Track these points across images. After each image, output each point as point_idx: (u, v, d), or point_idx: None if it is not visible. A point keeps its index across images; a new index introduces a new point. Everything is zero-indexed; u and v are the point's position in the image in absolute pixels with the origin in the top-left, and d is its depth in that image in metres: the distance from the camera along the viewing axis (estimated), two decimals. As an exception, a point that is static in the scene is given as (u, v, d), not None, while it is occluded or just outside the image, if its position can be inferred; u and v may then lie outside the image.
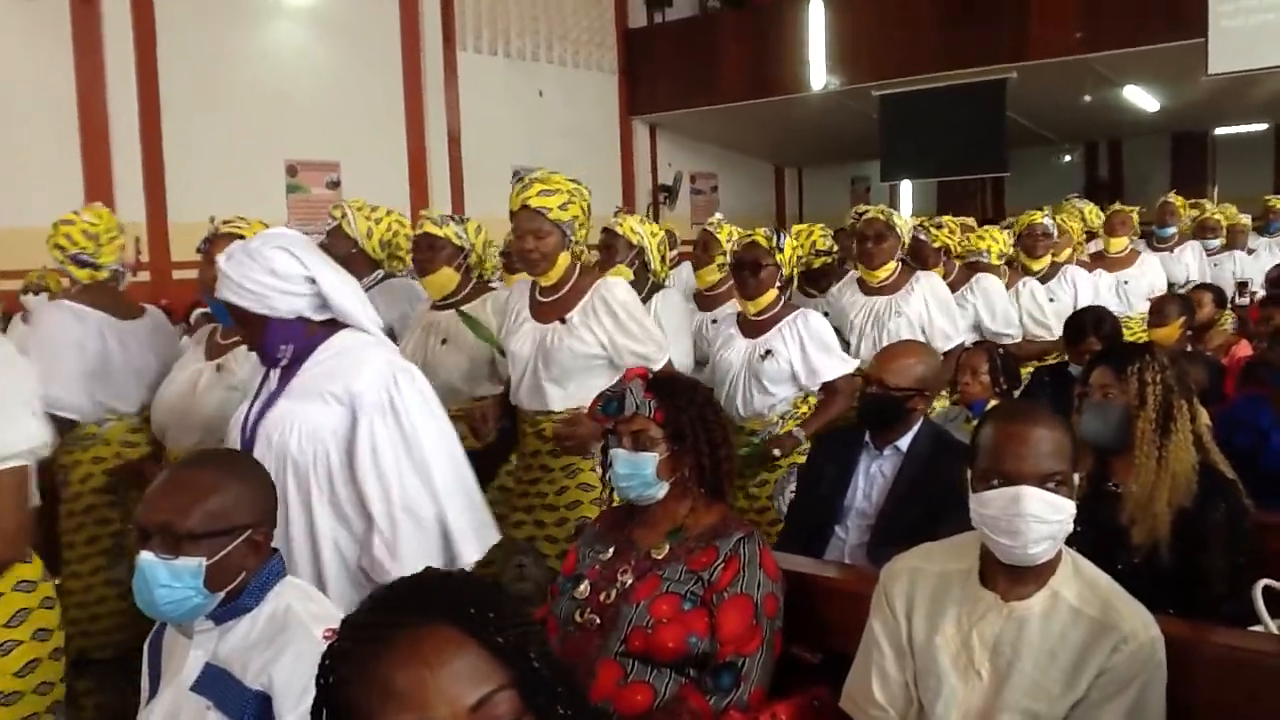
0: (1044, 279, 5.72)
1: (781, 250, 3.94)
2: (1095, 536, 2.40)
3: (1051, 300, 5.58)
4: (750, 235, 4.02)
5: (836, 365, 3.91)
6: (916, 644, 2.05)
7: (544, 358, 3.31)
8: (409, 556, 2.37)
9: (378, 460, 2.41)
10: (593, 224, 3.55)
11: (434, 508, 2.46)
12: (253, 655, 1.75)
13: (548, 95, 13.21)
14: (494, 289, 4.17)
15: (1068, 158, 16.13)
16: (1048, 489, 1.92)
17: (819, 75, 12.50)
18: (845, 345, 4.33)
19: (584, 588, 2.36)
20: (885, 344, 4.05)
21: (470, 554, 2.50)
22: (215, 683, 1.76)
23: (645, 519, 2.40)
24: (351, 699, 1.03)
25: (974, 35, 11.35)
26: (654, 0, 14.24)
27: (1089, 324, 4.28)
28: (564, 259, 3.32)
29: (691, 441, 2.35)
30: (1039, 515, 1.90)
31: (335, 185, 11.19)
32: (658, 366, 3.15)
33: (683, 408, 2.37)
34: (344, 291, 2.48)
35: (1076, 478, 2.00)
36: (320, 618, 1.79)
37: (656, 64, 14.04)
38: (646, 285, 4.27)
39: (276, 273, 2.39)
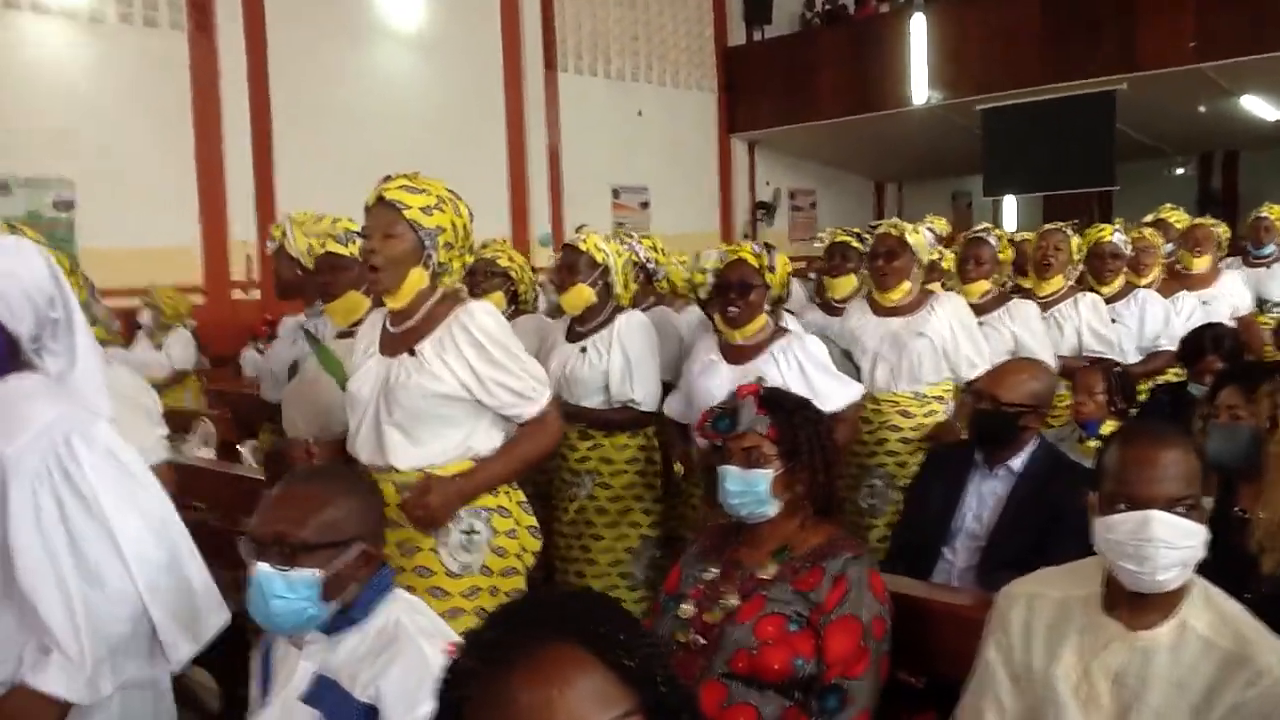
0: (1109, 300, 4.98)
1: (773, 269, 3.52)
2: (1220, 564, 2.29)
3: (1114, 321, 4.89)
4: (736, 251, 3.58)
5: (843, 392, 3.50)
6: (1034, 672, 1.98)
7: (386, 398, 2.68)
8: (89, 668, 1.82)
9: (41, 542, 1.83)
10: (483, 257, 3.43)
11: (129, 605, 1.89)
12: (362, 668, 1.76)
13: (647, 114, 13.28)
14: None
15: (1180, 170, 15.61)
16: (1177, 513, 1.83)
17: (920, 90, 12.35)
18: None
19: (687, 607, 2.33)
20: (906, 368, 3.95)
21: (183, 652, 1.99)
22: (325, 694, 1.78)
23: (751, 538, 2.36)
24: (475, 716, 1.01)
25: (1081, 46, 11.11)
26: (753, 17, 14.23)
27: (1207, 342, 4.11)
28: (416, 278, 2.66)
29: (806, 459, 2.31)
30: (1168, 540, 1.81)
31: (438, 205, 11.37)
32: (534, 409, 2.67)
33: (798, 425, 2.33)
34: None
35: (1208, 502, 1.90)
36: (429, 632, 1.80)
37: (756, 81, 14.01)
38: (608, 309, 3.87)
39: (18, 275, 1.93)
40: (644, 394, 3.77)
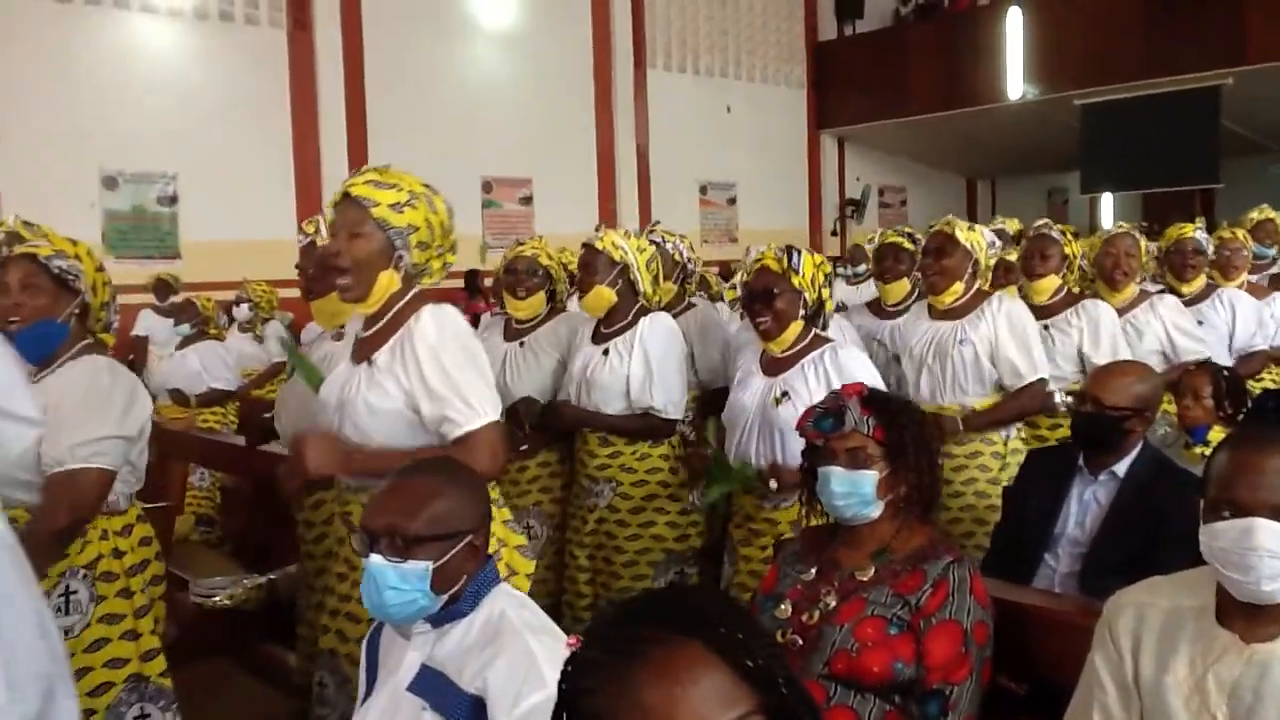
0: (1191, 302, 4.74)
1: (798, 271, 3.24)
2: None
3: (1200, 323, 4.61)
4: (759, 258, 3.33)
5: None
6: (1144, 683, 1.93)
7: (341, 411, 2.51)
8: None
9: None
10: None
11: None
12: (468, 659, 1.79)
13: (736, 110, 13.25)
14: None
15: (1287, 168, 15.13)
16: None
17: (1016, 85, 12.13)
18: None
19: (785, 607, 2.32)
20: (949, 379, 3.72)
21: None
22: (431, 684, 1.81)
23: (850, 539, 2.34)
24: (597, 710, 1.02)
25: (1185, 40, 10.82)
26: (845, 11, 14.11)
27: None
28: (386, 281, 2.46)
29: (911, 460, 2.29)
30: (1272, 550, 1.76)
31: (528, 201, 11.50)
32: (459, 431, 2.39)
33: (903, 425, 2.31)
34: None
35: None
36: (533, 625, 1.82)
37: (846, 77, 13.90)
38: (634, 309, 3.72)
39: None
40: (665, 401, 3.61)
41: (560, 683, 1.07)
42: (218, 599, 4.16)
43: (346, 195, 2.46)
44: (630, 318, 3.70)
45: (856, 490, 2.28)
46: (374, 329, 2.51)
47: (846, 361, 3.21)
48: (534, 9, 11.58)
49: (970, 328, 3.71)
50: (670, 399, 3.61)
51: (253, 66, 9.92)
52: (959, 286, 3.75)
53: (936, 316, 3.83)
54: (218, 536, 5.27)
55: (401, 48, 10.58)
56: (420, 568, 1.81)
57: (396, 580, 1.81)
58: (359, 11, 10.36)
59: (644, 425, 3.64)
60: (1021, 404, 3.71)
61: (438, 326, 2.43)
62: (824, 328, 3.41)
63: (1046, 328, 4.02)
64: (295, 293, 10.01)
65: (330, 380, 2.59)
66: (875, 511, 2.29)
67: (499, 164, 11.29)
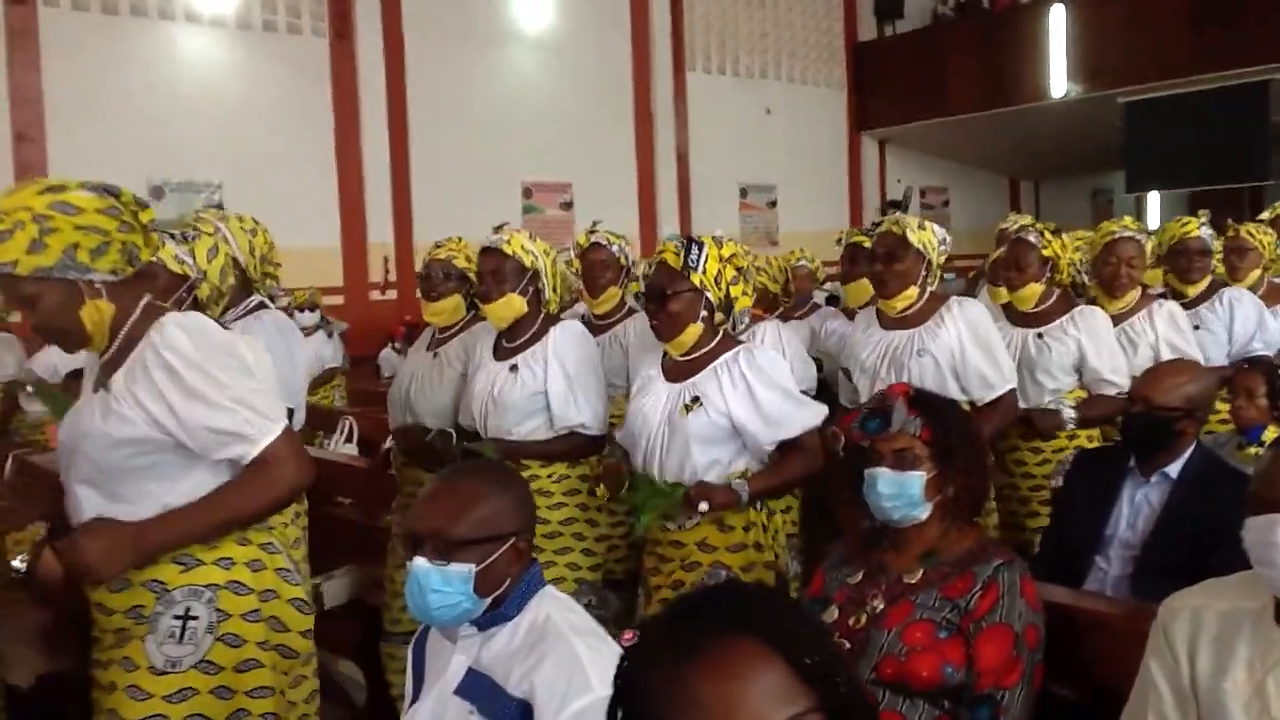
0: (1193, 304, 4.38)
1: (697, 268, 2.88)
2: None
3: (1197, 327, 4.24)
4: (660, 250, 3.02)
5: (800, 416, 2.91)
6: (1200, 688, 1.89)
7: (75, 450, 2.18)
8: None
9: None
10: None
11: None
12: (514, 663, 1.79)
13: (775, 112, 13.22)
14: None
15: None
16: None
17: (1059, 83, 12.01)
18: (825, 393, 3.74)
19: (832, 611, 2.30)
20: None
21: None
22: (478, 688, 1.81)
23: (897, 541, 2.32)
24: (652, 706, 1.01)
25: (1231, 35, 10.65)
26: (885, 11, 14.03)
27: None
28: (93, 314, 2.11)
29: (959, 461, 2.27)
30: None
31: (568, 206, 11.52)
32: (251, 449, 2.11)
33: (950, 426, 2.29)
34: None
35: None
36: (579, 629, 1.82)
37: (886, 77, 13.82)
38: (539, 320, 3.41)
39: None
40: (591, 415, 3.31)
41: (616, 678, 1.06)
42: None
43: None
44: (537, 327, 3.37)
45: (904, 492, 2.26)
46: (109, 353, 2.17)
47: (765, 364, 2.91)
48: (573, 14, 11.61)
49: (928, 336, 3.41)
50: (595, 413, 3.32)
51: (295, 75, 10.02)
52: (913, 291, 3.43)
53: (889, 325, 3.51)
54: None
55: (442, 55, 10.64)
56: (463, 570, 1.82)
57: (440, 583, 1.81)
58: (399, 20, 10.44)
59: (569, 447, 3.33)
60: (996, 423, 3.40)
61: (191, 336, 2.11)
62: (736, 328, 3.06)
63: (1040, 335, 3.78)
64: (340, 300, 10.07)
65: (68, 418, 2.23)
66: (923, 513, 2.27)
67: (539, 169, 11.33)
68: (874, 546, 2.37)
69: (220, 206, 9.63)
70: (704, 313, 2.91)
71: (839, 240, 4.67)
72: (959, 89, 13.06)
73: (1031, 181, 16.14)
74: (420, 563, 1.82)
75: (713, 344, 2.95)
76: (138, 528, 2.07)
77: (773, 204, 13.44)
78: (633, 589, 3.43)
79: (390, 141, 10.37)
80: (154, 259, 2.51)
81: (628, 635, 1.08)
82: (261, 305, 3.49)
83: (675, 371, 3.00)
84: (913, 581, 2.25)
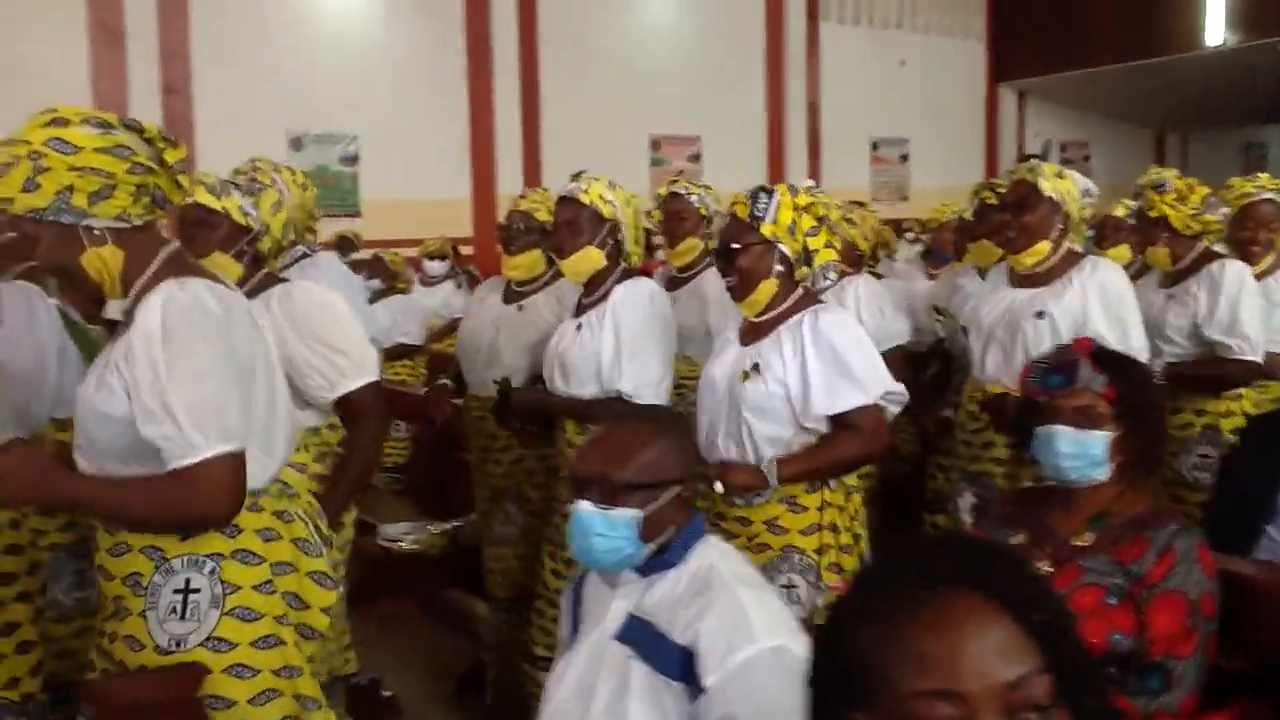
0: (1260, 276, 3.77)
1: (766, 218, 2.59)
2: None
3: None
4: (733, 202, 2.73)
5: (850, 394, 2.54)
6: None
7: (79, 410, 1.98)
8: None
9: None
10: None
11: None
12: (678, 611, 1.78)
13: (909, 64, 12.87)
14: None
15: None
16: None
17: (1216, 31, 11.39)
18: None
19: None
20: (1016, 356, 3.07)
21: None
22: (639, 633, 1.81)
23: (1066, 502, 2.24)
24: (867, 658, 0.97)
25: None
26: (1026, -41, 13.50)
27: None
28: (95, 262, 1.88)
29: (1143, 422, 2.17)
30: None
31: (696, 159, 11.44)
32: (175, 463, 1.80)
33: (1135, 386, 2.19)
34: None
35: None
36: (744, 579, 1.81)
37: (1027, 27, 13.31)
38: (614, 274, 3.18)
39: None
40: (637, 383, 3.02)
41: (824, 627, 1.02)
42: (403, 544, 4.31)
43: None
44: (610, 284, 3.14)
45: (1085, 451, 2.17)
46: (126, 309, 1.94)
47: (827, 327, 2.56)
48: (705, -37, 11.47)
49: (1051, 297, 3.09)
50: (644, 380, 3.02)
51: (429, 28, 10.09)
52: (1044, 246, 3.11)
53: (1016, 283, 3.24)
54: (403, 485, 5.43)
55: (574, 6, 10.62)
56: (628, 515, 1.82)
57: (604, 527, 1.82)
58: (533, -34, 10.45)
59: (608, 412, 2.99)
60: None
61: (165, 309, 1.82)
62: (818, 284, 2.72)
63: (1170, 298, 3.57)
64: (469, 250, 10.10)
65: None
66: (1103, 474, 2.18)
67: (667, 122, 11.24)
68: (1039, 507, 2.30)
69: (356, 159, 9.81)
70: (779, 268, 2.61)
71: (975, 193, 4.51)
72: (1104, 38, 12.51)
73: (1179, 134, 15.43)
74: (584, 506, 1.83)
75: (788, 303, 2.64)
76: (55, 472, 1.90)
77: (904, 158, 13.13)
78: None
79: (522, 93, 10.40)
80: (188, 199, 2.43)
81: (836, 584, 1.04)
82: (305, 255, 3.48)
83: (749, 333, 2.72)
84: (1082, 544, 2.17)
